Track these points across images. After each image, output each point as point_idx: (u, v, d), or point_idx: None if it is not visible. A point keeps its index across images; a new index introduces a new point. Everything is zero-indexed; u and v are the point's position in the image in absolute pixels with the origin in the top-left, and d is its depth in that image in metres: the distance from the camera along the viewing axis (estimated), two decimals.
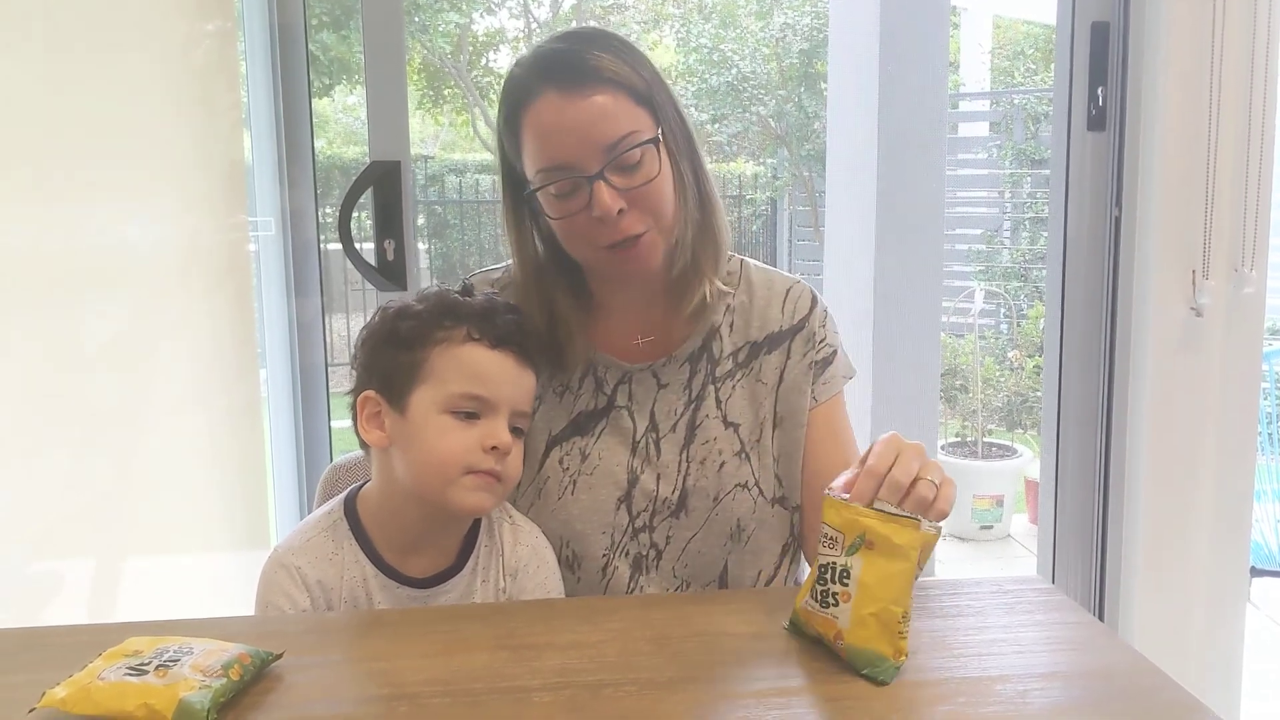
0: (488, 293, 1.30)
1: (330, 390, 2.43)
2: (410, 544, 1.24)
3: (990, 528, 4.75)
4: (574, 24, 12.55)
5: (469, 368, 1.20)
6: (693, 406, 1.36)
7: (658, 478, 1.35)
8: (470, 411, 1.19)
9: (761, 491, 1.36)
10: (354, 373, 1.27)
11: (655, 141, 1.23)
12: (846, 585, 1.02)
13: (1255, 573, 3.02)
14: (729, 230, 1.37)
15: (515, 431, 1.22)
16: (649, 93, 1.24)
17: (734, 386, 1.37)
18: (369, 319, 1.28)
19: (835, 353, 1.41)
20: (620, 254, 1.26)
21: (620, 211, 1.22)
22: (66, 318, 1.80)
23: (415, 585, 1.23)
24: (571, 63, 1.22)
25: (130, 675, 0.91)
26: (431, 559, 1.25)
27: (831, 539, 1.05)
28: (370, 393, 1.23)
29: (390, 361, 1.22)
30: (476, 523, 1.28)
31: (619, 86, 1.22)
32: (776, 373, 1.38)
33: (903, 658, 1.01)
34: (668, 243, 1.29)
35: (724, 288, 1.36)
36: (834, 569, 1.04)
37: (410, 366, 1.21)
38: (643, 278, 1.31)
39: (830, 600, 1.03)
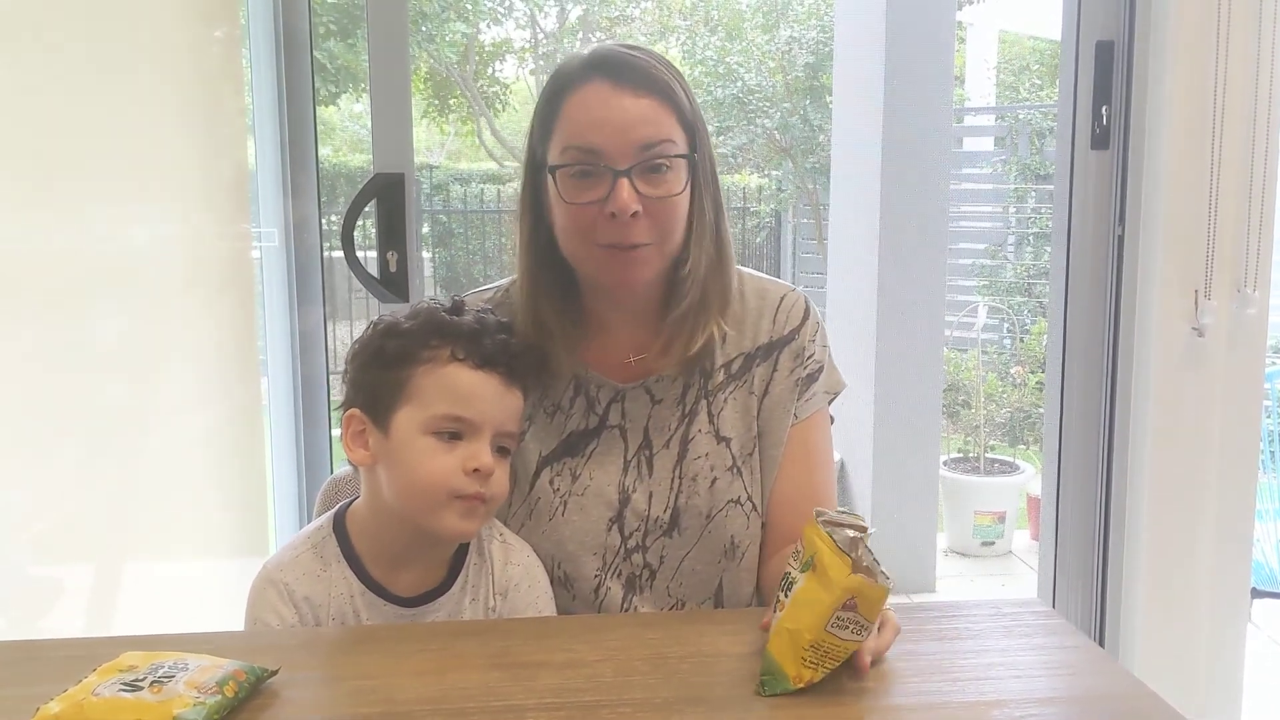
0: (481, 308, 1.29)
1: (331, 399, 2.43)
2: (398, 561, 1.23)
3: (992, 544, 4.74)
4: (580, 35, 12.57)
5: (452, 388, 1.19)
6: (686, 421, 1.35)
7: (649, 496, 1.34)
8: (453, 432, 1.18)
9: (755, 506, 1.36)
10: (343, 387, 1.27)
11: (689, 158, 1.24)
12: (786, 597, 1.05)
13: (1256, 594, 3.00)
14: (736, 273, 1.37)
15: (501, 452, 1.22)
16: (693, 121, 1.26)
17: (726, 399, 1.36)
18: (361, 333, 1.27)
19: (821, 368, 1.39)
20: (617, 257, 1.25)
21: (635, 214, 1.22)
22: (68, 323, 1.81)
23: (403, 604, 1.23)
24: (629, 63, 1.24)
25: (125, 691, 0.91)
26: (420, 576, 1.24)
27: (798, 552, 1.07)
28: (355, 411, 1.23)
29: (375, 380, 1.22)
30: (464, 544, 1.27)
31: (668, 99, 1.24)
32: (763, 384, 1.37)
33: (801, 684, 1.01)
34: (664, 262, 1.28)
35: (725, 329, 1.34)
36: (787, 579, 1.06)
37: (394, 386, 1.20)
38: (631, 289, 1.30)
39: (775, 606, 1.07)
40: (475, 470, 1.17)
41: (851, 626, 1.01)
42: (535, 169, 1.30)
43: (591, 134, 1.22)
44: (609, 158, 1.22)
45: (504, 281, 1.43)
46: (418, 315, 1.24)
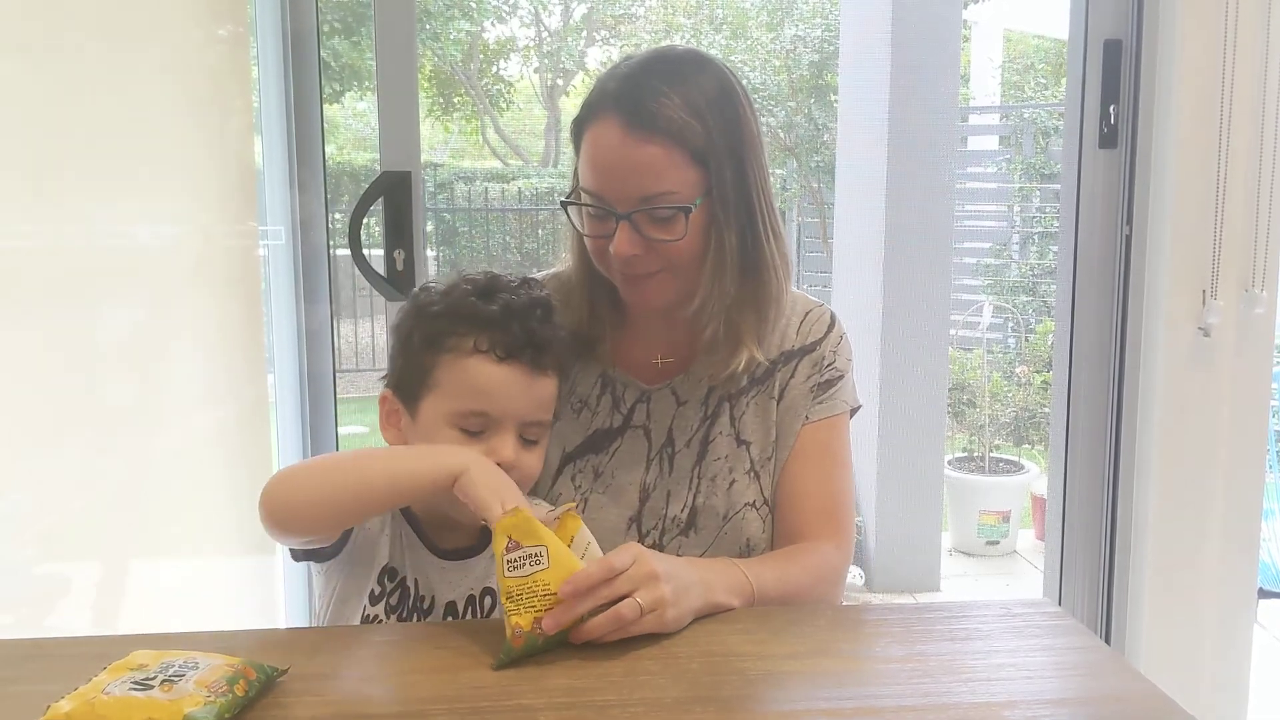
0: (518, 281, 1.27)
1: (338, 396, 2.42)
2: (440, 522, 1.25)
3: (996, 543, 4.74)
4: (585, 34, 12.56)
5: (473, 382, 1.19)
6: (707, 422, 1.36)
7: (668, 494, 1.35)
8: (477, 429, 1.19)
9: (772, 511, 1.36)
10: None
11: (687, 210, 1.23)
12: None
13: (1262, 594, 3.00)
14: (786, 294, 1.35)
15: (528, 440, 1.22)
16: (708, 153, 1.23)
17: (749, 403, 1.37)
18: (407, 300, 1.28)
19: (842, 377, 1.40)
20: (631, 282, 1.28)
21: (635, 256, 1.24)
22: (75, 321, 1.80)
23: (440, 554, 1.25)
24: (644, 101, 1.21)
25: (135, 689, 0.90)
26: (461, 537, 1.26)
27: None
28: (387, 393, 1.25)
29: (406, 364, 1.23)
30: None
31: (678, 141, 1.21)
32: (780, 389, 1.38)
33: (517, 640, 1.04)
34: (681, 285, 1.29)
35: (761, 358, 1.33)
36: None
37: (421, 372, 1.21)
38: (649, 311, 1.33)
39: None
40: (497, 465, 1.17)
41: (526, 562, 1.05)
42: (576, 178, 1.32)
43: (597, 179, 1.24)
44: (611, 202, 1.24)
45: (541, 275, 1.44)
46: (450, 295, 1.23)
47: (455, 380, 1.19)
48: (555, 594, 1.05)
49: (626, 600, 1.08)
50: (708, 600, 1.17)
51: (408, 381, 1.23)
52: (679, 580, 1.13)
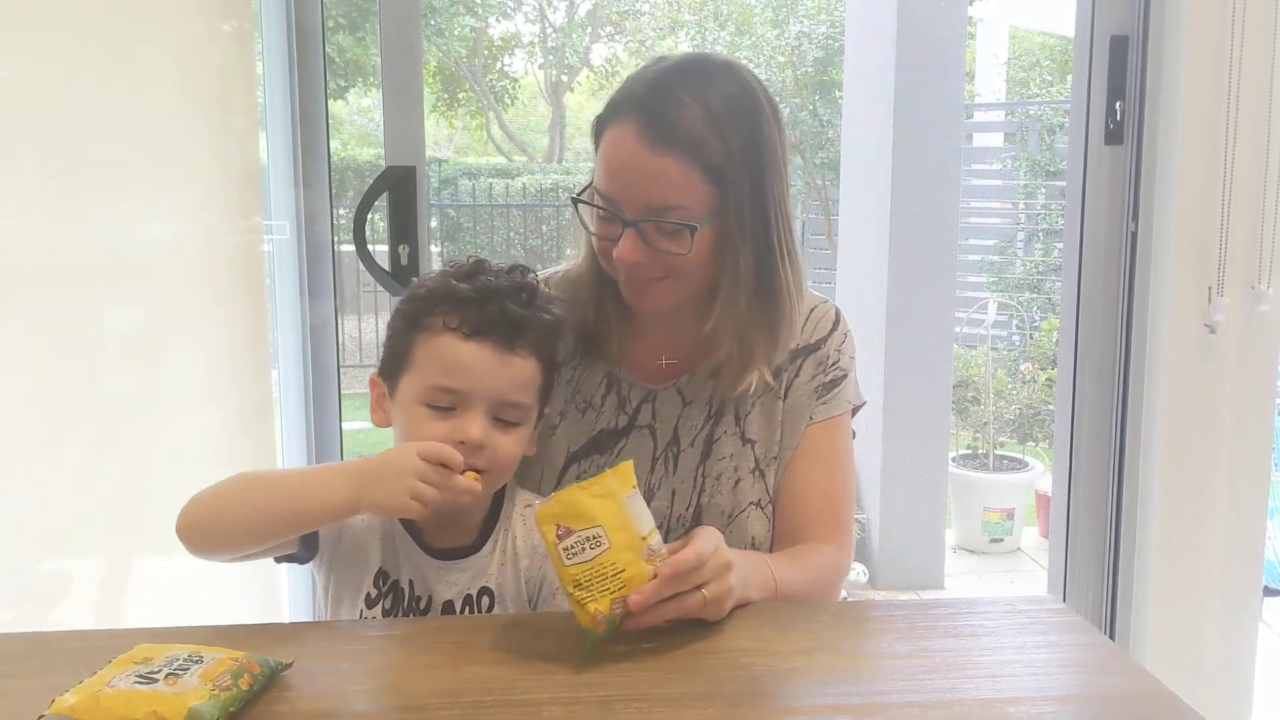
0: (508, 267, 1.26)
1: (342, 392, 2.43)
2: (432, 522, 1.23)
3: (1000, 540, 4.73)
4: (589, 30, 12.55)
5: (441, 359, 1.18)
6: (712, 421, 1.36)
7: (673, 494, 1.35)
8: (446, 404, 1.18)
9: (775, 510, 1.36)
10: None
11: (693, 229, 1.22)
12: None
13: (1267, 592, 2.99)
14: (798, 313, 1.33)
15: (504, 423, 1.20)
16: (723, 170, 1.21)
17: (754, 403, 1.36)
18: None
19: (845, 376, 1.40)
20: (634, 284, 1.28)
21: (639, 263, 1.24)
22: (79, 316, 1.80)
23: (433, 554, 1.24)
24: (665, 110, 1.20)
25: (140, 683, 0.91)
26: (453, 535, 1.25)
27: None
28: (374, 376, 1.26)
29: (390, 346, 1.24)
30: (498, 506, 1.27)
31: (694, 156, 1.20)
32: (785, 389, 1.37)
33: (599, 626, 1.04)
34: (683, 295, 1.29)
35: (770, 381, 1.33)
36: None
37: (401, 352, 1.22)
38: (652, 314, 1.33)
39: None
40: (462, 443, 1.16)
41: (585, 545, 1.04)
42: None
43: (609, 182, 1.24)
44: (621, 207, 1.23)
45: (550, 272, 1.43)
46: (433, 279, 1.24)
47: (427, 357, 1.19)
48: (625, 571, 1.04)
49: (694, 594, 1.09)
50: (743, 597, 1.17)
51: (391, 362, 1.24)
52: (737, 573, 1.14)
